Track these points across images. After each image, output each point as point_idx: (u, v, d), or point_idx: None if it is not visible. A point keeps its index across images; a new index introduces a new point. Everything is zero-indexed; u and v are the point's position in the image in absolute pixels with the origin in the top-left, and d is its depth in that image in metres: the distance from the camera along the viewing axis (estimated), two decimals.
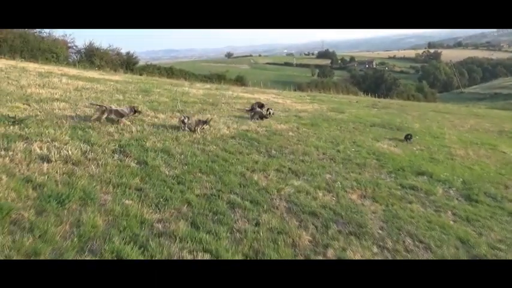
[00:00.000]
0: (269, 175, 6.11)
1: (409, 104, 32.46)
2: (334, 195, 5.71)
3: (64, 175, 4.77)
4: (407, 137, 10.58)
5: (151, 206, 4.41)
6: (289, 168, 6.60)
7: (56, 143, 5.79)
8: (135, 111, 8.07)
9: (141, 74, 29.71)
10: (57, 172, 4.80)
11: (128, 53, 38.94)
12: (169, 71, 40.73)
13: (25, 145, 5.48)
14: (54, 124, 6.85)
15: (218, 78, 38.94)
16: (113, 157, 5.76)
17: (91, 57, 35.10)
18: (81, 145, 5.96)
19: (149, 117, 8.78)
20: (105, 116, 7.46)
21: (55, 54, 30.44)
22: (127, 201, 4.38)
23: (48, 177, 4.59)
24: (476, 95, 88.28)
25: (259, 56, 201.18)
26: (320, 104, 18.34)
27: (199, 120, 8.16)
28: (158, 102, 11.18)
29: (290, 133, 9.51)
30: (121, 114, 7.67)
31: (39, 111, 7.69)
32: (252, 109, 11.21)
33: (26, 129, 6.17)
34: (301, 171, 6.56)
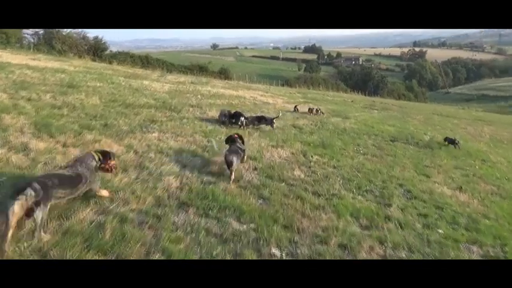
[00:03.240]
0: None
1: (405, 104, 30.64)
2: None
3: None
4: (454, 142, 9.66)
5: None
6: None
7: None
8: None
9: (110, 62, 25.84)
10: None
11: (95, 38, 34.42)
12: (144, 60, 36.67)
13: None
14: None
15: (200, 70, 35.33)
16: None
17: (51, 40, 30.53)
18: None
19: (4, 150, 4.27)
20: None
21: (4, 34, 25.85)
22: None
23: None
24: (462, 95, 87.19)
25: (245, 48, 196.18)
26: (315, 104, 15.69)
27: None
28: (73, 107, 6.93)
29: (297, 172, 5.57)
30: None
31: None
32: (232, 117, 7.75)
33: None
34: None
